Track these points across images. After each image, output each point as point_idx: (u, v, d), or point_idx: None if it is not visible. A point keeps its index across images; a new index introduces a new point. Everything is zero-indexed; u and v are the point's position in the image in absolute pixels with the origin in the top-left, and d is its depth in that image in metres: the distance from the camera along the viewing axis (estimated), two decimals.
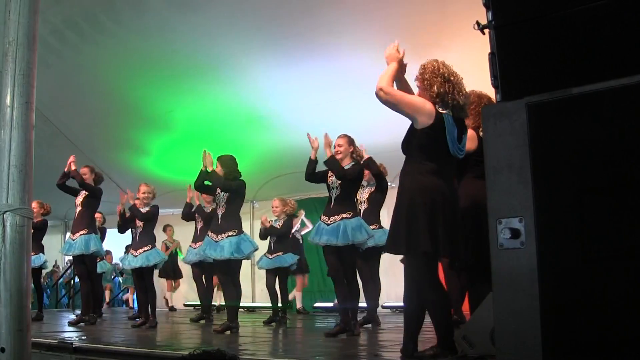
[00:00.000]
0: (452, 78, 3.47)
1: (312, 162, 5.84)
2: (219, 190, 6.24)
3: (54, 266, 14.35)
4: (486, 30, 2.39)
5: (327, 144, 5.69)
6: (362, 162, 6.02)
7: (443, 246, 3.29)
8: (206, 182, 6.33)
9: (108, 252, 12.28)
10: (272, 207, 7.91)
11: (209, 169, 6.22)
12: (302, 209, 9.78)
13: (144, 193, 7.11)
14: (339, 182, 5.66)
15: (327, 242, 5.56)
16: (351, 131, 5.90)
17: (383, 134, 5.36)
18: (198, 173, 6.34)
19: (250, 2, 7.20)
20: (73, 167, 7.34)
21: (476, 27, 2.46)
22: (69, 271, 13.61)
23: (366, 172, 6.36)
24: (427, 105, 3.43)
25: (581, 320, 2.00)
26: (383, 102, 3.44)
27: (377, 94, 3.42)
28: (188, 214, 8.47)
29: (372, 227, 6.20)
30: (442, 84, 3.44)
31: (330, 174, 5.77)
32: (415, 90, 3.71)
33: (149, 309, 6.97)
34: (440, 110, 3.43)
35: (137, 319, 7.23)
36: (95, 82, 9.15)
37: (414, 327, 3.50)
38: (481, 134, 3.91)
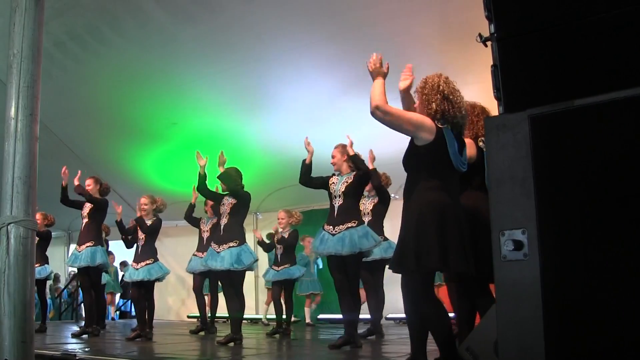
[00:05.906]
0: (451, 97, 3.37)
1: (305, 166, 5.81)
2: (223, 200, 6.25)
3: (67, 282, 14.35)
4: (488, 43, 2.39)
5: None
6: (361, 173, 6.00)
7: (454, 262, 3.21)
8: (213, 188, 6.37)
9: None
10: (278, 219, 7.86)
11: (221, 170, 6.23)
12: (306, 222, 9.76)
13: (144, 205, 7.10)
14: (342, 190, 5.63)
15: (334, 251, 5.47)
16: (356, 141, 5.86)
17: (388, 145, 5.33)
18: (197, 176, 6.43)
19: (252, 13, 7.22)
20: (76, 183, 7.34)
21: (479, 39, 2.46)
22: (72, 283, 13.59)
23: None
24: (427, 122, 3.34)
25: (585, 331, 1.99)
26: (381, 121, 3.33)
27: (373, 114, 3.30)
28: (190, 216, 8.33)
29: None
30: (440, 101, 3.35)
31: (332, 181, 5.76)
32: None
33: (147, 321, 6.96)
34: (439, 125, 3.35)
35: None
36: (98, 94, 9.18)
37: (421, 338, 3.47)
38: (480, 144, 3.94)
